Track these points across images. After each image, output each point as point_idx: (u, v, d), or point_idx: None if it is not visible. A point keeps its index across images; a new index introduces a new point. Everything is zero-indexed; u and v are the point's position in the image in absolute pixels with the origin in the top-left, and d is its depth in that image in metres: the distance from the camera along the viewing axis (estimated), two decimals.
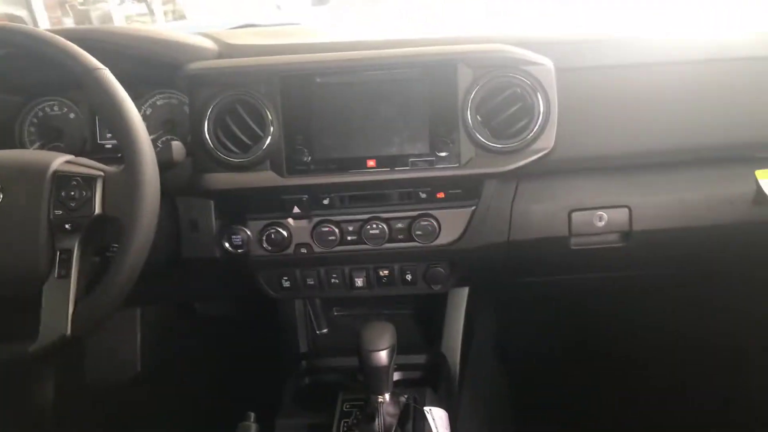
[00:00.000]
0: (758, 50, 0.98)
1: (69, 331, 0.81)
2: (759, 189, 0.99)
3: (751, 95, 0.98)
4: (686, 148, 0.99)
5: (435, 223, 1.02)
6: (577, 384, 1.52)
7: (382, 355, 0.87)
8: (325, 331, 1.29)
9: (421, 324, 1.27)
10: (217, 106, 0.97)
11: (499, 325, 1.59)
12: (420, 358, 1.15)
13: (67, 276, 0.82)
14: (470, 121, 0.94)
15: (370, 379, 0.90)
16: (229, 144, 0.98)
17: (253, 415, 0.80)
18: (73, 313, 0.81)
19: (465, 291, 1.22)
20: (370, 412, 0.89)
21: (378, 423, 0.89)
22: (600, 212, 1.02)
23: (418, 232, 1.02)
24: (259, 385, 1.13)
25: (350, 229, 1.03)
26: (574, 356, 1.57)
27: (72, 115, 1.14)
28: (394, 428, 0.90)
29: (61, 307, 0.82)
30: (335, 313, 1.32)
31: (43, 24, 3.49)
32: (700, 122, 0.98)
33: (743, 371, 1.36)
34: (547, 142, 0.96)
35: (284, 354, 1.23)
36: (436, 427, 0.94)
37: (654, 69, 0.98)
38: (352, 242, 1.04)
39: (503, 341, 1.57)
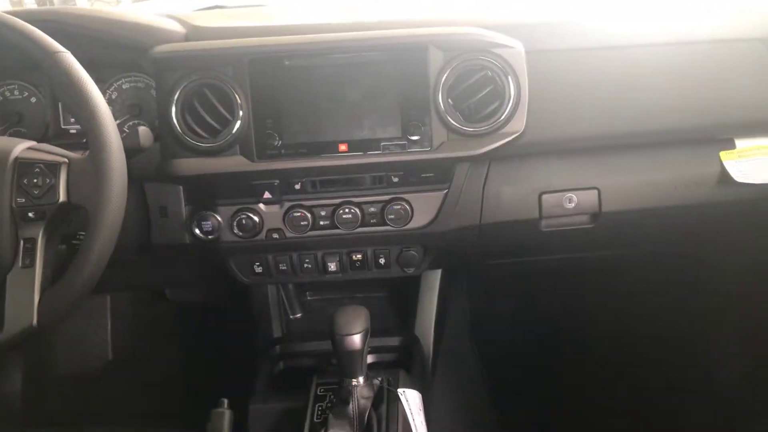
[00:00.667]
0: (723, 33, 1.00)
1: (35, 322, 0.80)
2: (723, 169, 1.01)
3: (715, 78, 0.99)
4: (653, 130, 1.01)
5: (407, 207, 1.02)
6: (550, 365, 1.55)
7: (356, 339, 0.88)
8: (298, 315, 1.29)
9: (394, 307, 1.28)
10: (184, 90, 0.95)
11: (472, 307, 1.61)
12: (394, 341, 1.16)
13: (32, 265, 0.81)
14: (442, 104, 0.94)
15: (343, 363, 0.90)
16: (197, 128, 0.96)
17: (226, 401, 0.80)
18: (39, 303, 0.80)
19: (438, 273, 1.23)
20: (344, 395, 0.90)
21: (352, 406, 0.89)
22: (569, 194, 1.03)
23: (391, 216, 1.02)
24: (233, 371, 1.13)
25: (322, 213, 1.03)
26: (546, 337, 1.60)
27: (33, 99, 1.11)
28: (368, 411, 0.90)
29: (27, 298, 0.80)
30: (308, 298, 1.32)
31: (2, 3, 3.37)
32: (667, 105, 0.99)
33: (708, 352, 1.40)
34: (518, 125, 0.96)
35: (258, 339, 1.23)
36: (410, 409, 0.95)
37: (622, 52, 0.99)
38: (324, 227, 1.03)
39: (476, 323, 1.59)
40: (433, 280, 1.23)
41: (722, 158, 1.01)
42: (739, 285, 1.33)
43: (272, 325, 1.22)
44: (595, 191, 1.03)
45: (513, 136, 0.96)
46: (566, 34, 1.00)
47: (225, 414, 0.79)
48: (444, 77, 0.94)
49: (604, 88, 0.99)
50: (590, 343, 1.55)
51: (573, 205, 1.03)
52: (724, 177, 1.01)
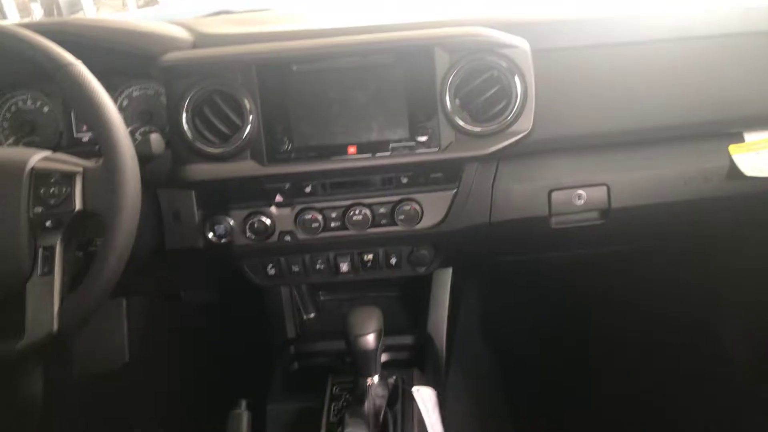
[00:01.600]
0: (730, 27, 0.99)
1: (55, 328, 0.81)
2: (732, 164, 1.01)
3: (722, 72, 0.99)
4: (661, 125, 1.01)
5: (417, 207, 1.03)
6: (562, 359, 1.55)
7: (369, 339, 0.89)
8: (312, 316, 1.30)
9: (407, 306, 1.29)
10: (194, 96, 0.96)
11: (483, 304, 1.61)
12: (407, 339, 1.17)
13: (51, 273, 0.82)
14: (449, 105, 0.95)
15: (358, 362, 0.91)
16: (207, 134, 0.97)
17: (244, 402, 0.81)
18: (59, 309, 0.81)
19: (449, 272, 1.24)
20: (359, 394, 0.91)
21: (368, 405, 0.90)
22: (579, 191, 1.04)
23: (401, 217, 1.03)
24: (249, 372, 1.14)
25: (333, 215, 1.04)
26: (558, 332, 1.60)
27: (46, 109, 1.13)
28: (383, 410, 0.91)
29: (47, 304, 0.82)
30: (321, 298, 1.34)
31: (10, 9, 3.40)
32: (675, 100, 0.99)
33: (718, 346, 1.40)
34: (526, 123, 0.96)
35: (272, 340, 1.24)
36: (425, 407, 0.96)
37: (629, 48, 0.99)
38: (335, 228, 1.04)
39: (488, 320, 1.60)
40: (445, 278, 1.23)
41: (731, 152, 1.01)
42: (751, 277, 1.33)
43: (286, 326, 1.24)
44: (605, 188, 1.03)
45: (521, 135, 0.97)
46: (572, 32, 1.00)
47: (243, 415, 0.80)
48: (450, 78, 0.94)
49: (611, 84, 1.00)
50: (603, 338, 1.55)
51: (582, 201, 1.04)
52: (734, 171, 1.01)
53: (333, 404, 0.98)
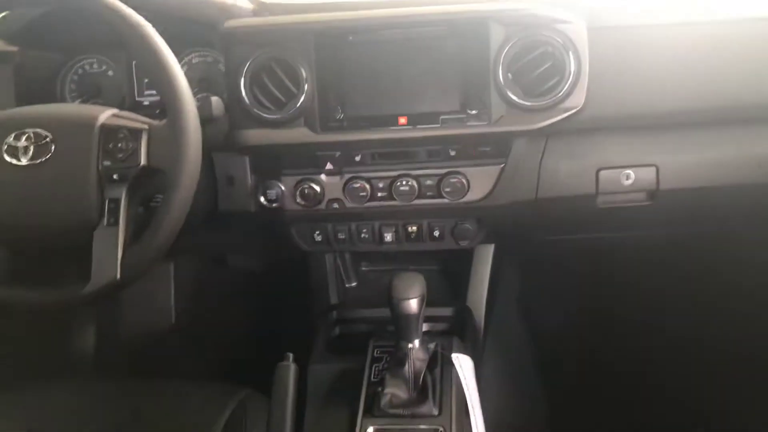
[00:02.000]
0: None
1: (118, 276, 0.86)
2: None
3: None
4: (716, 107, 1.00)
5: (464, 180, 1.04)
6: (599, 342, 1.55)
7: (412, 304, 0.91)
8: (354, 284, 1.34)
9: (447, 279, 1.31)
10: (252, 63, 0.99)
11: (522, 283, 1.62)
12: (446, 311, 1.19)
13: (116, 224, 0.87)
14: (501, 79, 0.96)
15: (400, 326, 0.94)
16: (264, 101, 1.00)
17: (291, 355, 0.85)
18: (122, 258, 0.86)
19: (491, 248, 1.26)
20: (400, 357, 0.94)
21: (408, 367, 0.93)
22: (627, 171, 1.03)
23: (447, 189, 1.05)
24: (291, 335, 1.18)
25: (380, 185, 1.06)
26: (596, 315, 1.60)
27: (111, 73, 1.18)
28: (423, 373, 0.94)
29: (111, 253, 0.87)
30: (364, 268, 1.37)
31: None
32: (731, 82, 0.98)
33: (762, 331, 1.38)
34: (578, 100, 0.97)
35: (315, 305, 1.28)
36: (464, 373, 0.98)
37: (685, 28, 0.98)
38: (382, 198, 1.07)
39: (526, 299, 1.61)
40: (486, 253, 1.25)
41: None
42: None
43: (329, 292, 1.27)
44: (654, 168, 1.03)
45: (572, 111, 0.97)
46: (628, 10, 0.99)
47: (290, 368, 0.84)
48: (504, 52, 0.95)
49: (666, 64, 0.99)
50: (641, 323, 1.54)
51: (630, 181, 1.04)
52: None
53: (374, 365, 1.01)
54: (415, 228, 1.13)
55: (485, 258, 1.25)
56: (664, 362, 1.50)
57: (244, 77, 1.00)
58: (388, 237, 1.14)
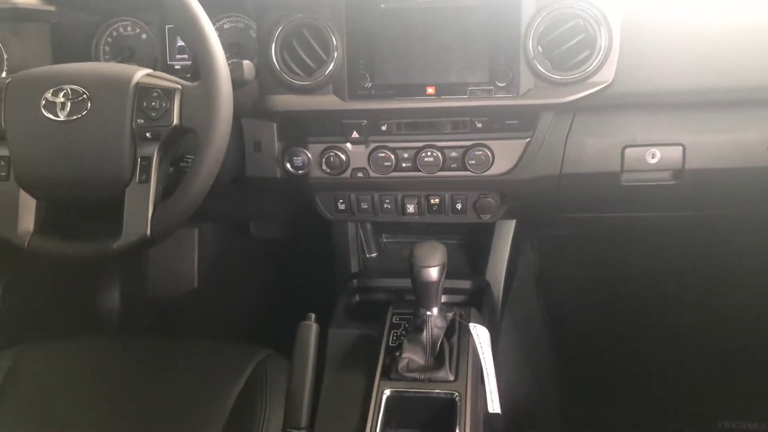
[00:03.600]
0: None
1: (149, 233, 0.89)
2: None
3: None
4: (746, 86, 0.98)
5: (489, 153, 1.05)
6: (613, 323, 1.55)
7: (433, 272, 0.92)
8: (374, 255, 1.35)
9: (467, 254, 1.32)
10: (284, 29, 1.00)
11: (541, 261, 1.62)
12: (465, 284, 1.20)
13: (148, 181, 0.89)
14: (531, 51, 0.96)
15: (420, 293, 0.95)
16: (294, 67, 1.02)
17: (313, 315, 0.87)
18: (153, 215, 0.89)
19: (512, 223, 1.26)
20: (418, 323, 0.95)
21: (426, 334, 0.95)
22: (653, 149, 1.03)
23: (472, 162, 1.05)
24: (312, 302, 1.21)
25: (405, 156, 1.07)
26: (614, 296, 1.60)
27: (144, 36, 1.20)
28: (440, 340, 0.96)
29: (142, 210, 0.89)
30: (384, 240, 1.38)
31: None
32: (764, 59, 0.96)
33: None
34: (608, 75, 0.96)
35: (336, 273, 1.30)
36: (480, 342, 0.99)
37: (718, 5, 0.97)
38: (406, 169, 1.08)
39: (544, 277, 1.61)
40: (507, 229, 1.25)
41: None
42: None
43: (350, 261, 1.29)
44: (680, 147, 1.02)
45: (601, 86, 0.96)
46: None
47: (312, 327, 0.86)
48: (535, 24, 0.95)
49: (697, 41, 0.97)
50: (658, 306, 1.54)
51: (656, 160, 1.03)
52: None
53: (393, 331, 1.03)
54: (437, 200, 1.14)
55: (506, 233, 1.25)
56: (677, 348, 1.49)
57: (275, 42, 1.01)
58: (411, 208, 1.15)
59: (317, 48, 1.00)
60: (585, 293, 1.60)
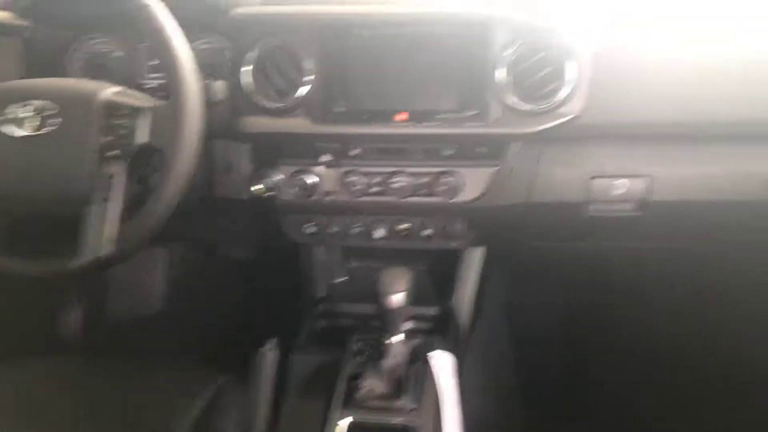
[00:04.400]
0: None
1: (110, 252, 0.87)
2: None
3: None
4: (715, 122, 1.00)
5: (458, 180, 1.05)
6: (581, 350, 1.56)
7: (398, 298, 0.92)
8: (342, 279, 1.34)
9: (434, 280, 1.32)
10: (258, 51, 1.01)
11: (509, 288, 1.62)
12: (431, 310, 1.20)
13: (111, 200, 0.88)
14: (501, 81, 0.97)
15: (384, 319, 0.94)
16: (267, 89, 1.01)
17: (275, 340, 0.86)
18: (115, 235, 0.87)
19: (480, 251, 1.26)
20: (381, 350, 0.94)
21: (388, 361, 0.94)
22: (621, 180, 1.04)
23: (441, 188, 1.05)
24: (276, 326, 1.19)
25: (375, 180, 1.07)
26: (582, 324, 1.61)
27: (118, 53, 1.19)
28: (402, 368, 0.94)
29: (103, 229, 0.87)
30: (352, 264, 1.37)
31: None
32: (732, 98, 0.99)
33: (742, 353, 1.39)
34: (577, 106, 0.98)
35: (302, 298, 1.29)
36: (442, 371, 0.98)
37: (689, 41, 0.99)
38: (376, 193, 1.08)
39: (513, 305, 1.61)
40: (475, 256, 1.26)
41: None
42: None
43: (317, 285, 1.28)
44: (647, 179, 1.04)
45: (569, 117, 0.98)
46: (631, 22, 1.01)
47: (269, 354, 0.84)
48: (505, 55, 0.97)
49: (668, 77, 0.99)
50: (624, 335, 1.55)
51: (623, 191, 1.05)
52: None
53: (356, 358, 1.01)
54: (407, 225, 1.14)
55: (473, 260, 1.26)
56: (647, 373, 1.50)
57: (249, 64, 1.01)
58: (380, 233, 1.15)
59: (291, 71, 1.01)
60: (553, 321, 1.60)
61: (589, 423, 1.41)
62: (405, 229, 1.14)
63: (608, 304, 1.59)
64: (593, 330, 1.58)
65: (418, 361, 0.98)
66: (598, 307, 1.60)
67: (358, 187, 1.07)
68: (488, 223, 1.12)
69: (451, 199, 1.06)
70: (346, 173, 1.08)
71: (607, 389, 1.49)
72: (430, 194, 1.07)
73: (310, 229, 1.16)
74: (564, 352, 1.56)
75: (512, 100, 0.97)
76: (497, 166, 1.05)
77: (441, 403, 0.96)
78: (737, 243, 1.27)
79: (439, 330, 1.15)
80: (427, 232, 1.14)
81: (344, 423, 0.90)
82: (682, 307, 1.50)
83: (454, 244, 1.15)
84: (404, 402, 0.91)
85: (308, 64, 1.00)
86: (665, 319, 1.52)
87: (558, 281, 1.64)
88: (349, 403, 0.93)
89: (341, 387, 0.95)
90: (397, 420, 0.90)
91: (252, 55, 1.01)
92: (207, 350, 1.58)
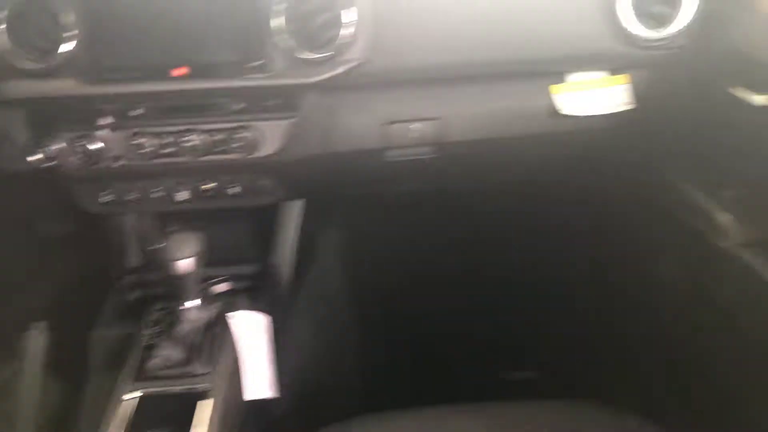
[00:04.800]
0: None
1: None
2: (552, 102, 1.05)
3: (548, 12, 1.01)
4: (495, 60, 1.03)
5: (254, 135, 1.01)
6: (416, 294, 1.61)
7: (186, 263, 0.89)
8: (159, 246, 1.28)
9: (254, 236, 1.29)
10: (11, 7, 0.90)
11: (343, 238, 1.63)
12: (248, 269, 1.18)
13: None
14: (278, 29, 0.93)
15: (176, 287, 0.91)
16: (26, 49, 0.92)
17: (43, 324, 0.80)
18: None
19: (297, 203, 1.25)
20: (174, 319, 0.92)
21: (183, 328, 0.91)
22: (414, 124, 1.05)
23: (237, 144, 1.01)
24: (88, 301, 1.12)
25: (166, 141, 1.01)
26: (416, 268, 1.65)
27: None
28: (200, 333, 0.92)
29: None
30: (169, 229, 1.31)
31: None
32: (506, 37, 1.01)
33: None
34: (359, 52, 0.96)
35: (113, 269, 1.22)
36: (247, 331, 0.97)
37: None
38: (169, 155, 1.01)
39: (348, 253, 1.63)
40: (292, 209, 1.24)
41: (552, 92, 1.05)
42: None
43: (129, 255, 1.21)
44: (438, 122, 1.05)
45: (353, 64, 0.96)
46: None
47: (41, 335, 0.79)
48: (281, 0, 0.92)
49: (450, 18, 1.00)
50: (458, 280, 1.62)
51: (417, 135, 1.06)
52: (554, 110, 1.06)
53: (153, 328, 0.98)
54: (212, 185, 1.10)
55: (291, 213, 1.24)
56: (480, 321, 1.58)
57: (2, 23, 0.90)
58: (183, 195, 1.09)
59: (51, 27, 0.91)
60: (389, 270, 1.63)
61: (427, 373, 1.48)
62: (210, 189, 1.10)
63: (444, 250, 1.64)
64: (430, 275, 1.63)
65: (217, 324, 0.96)
66: (437, 249, 1.65)
67: (148, 149, 1.00)
68: (293, 177, 1.10)
69: (249, 155, 1.03)
70: (134, 135, 1.00)
71: (439, 319, 1.55)
72: (227, 151, 1.02)
73: (106, 197, 1.08)
74: (402, 298, 1.60)
75: (292, 48, 0.94)
76: (293, 118, 1.02)
77: (240, 363, 0.95)
78: (528, 177, 1.34)
79: (258, 289, 1.13)
80: (235, 190, 1.10)
81: (130, 397, 0.86)
82: (491, 242, 1.59)
83: (265, 201, 1.12)
84: (195, 367, 0.89)
85: (67, 17, 0.91)
86: (500, 261, 1.60)
87: (393, 228, 1.66)
88: (142, 375, 0.89)
89: (133, 360, 0.92)
90: (192, 386, 0.88)
91: (5, 12, 0.90)
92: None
